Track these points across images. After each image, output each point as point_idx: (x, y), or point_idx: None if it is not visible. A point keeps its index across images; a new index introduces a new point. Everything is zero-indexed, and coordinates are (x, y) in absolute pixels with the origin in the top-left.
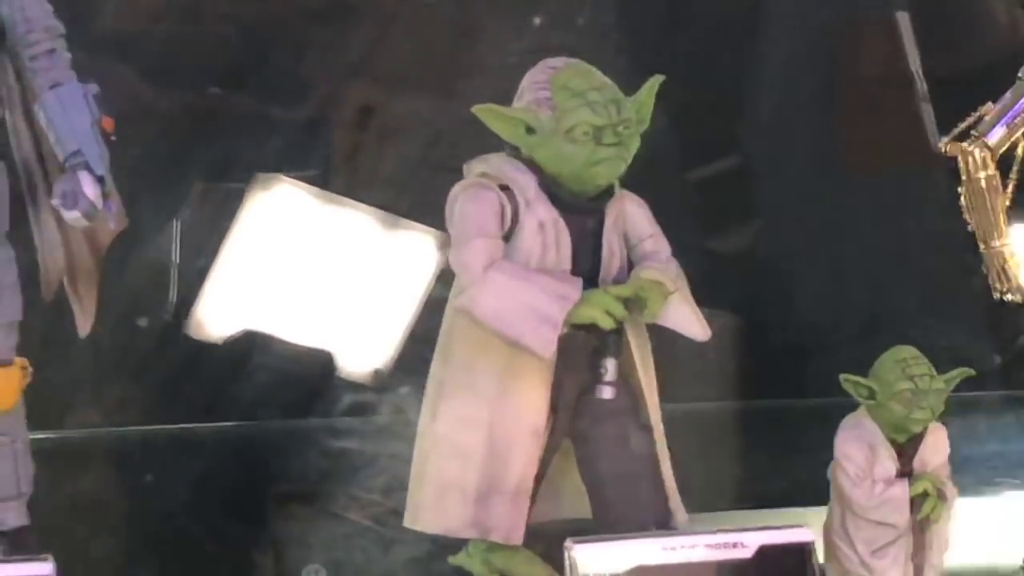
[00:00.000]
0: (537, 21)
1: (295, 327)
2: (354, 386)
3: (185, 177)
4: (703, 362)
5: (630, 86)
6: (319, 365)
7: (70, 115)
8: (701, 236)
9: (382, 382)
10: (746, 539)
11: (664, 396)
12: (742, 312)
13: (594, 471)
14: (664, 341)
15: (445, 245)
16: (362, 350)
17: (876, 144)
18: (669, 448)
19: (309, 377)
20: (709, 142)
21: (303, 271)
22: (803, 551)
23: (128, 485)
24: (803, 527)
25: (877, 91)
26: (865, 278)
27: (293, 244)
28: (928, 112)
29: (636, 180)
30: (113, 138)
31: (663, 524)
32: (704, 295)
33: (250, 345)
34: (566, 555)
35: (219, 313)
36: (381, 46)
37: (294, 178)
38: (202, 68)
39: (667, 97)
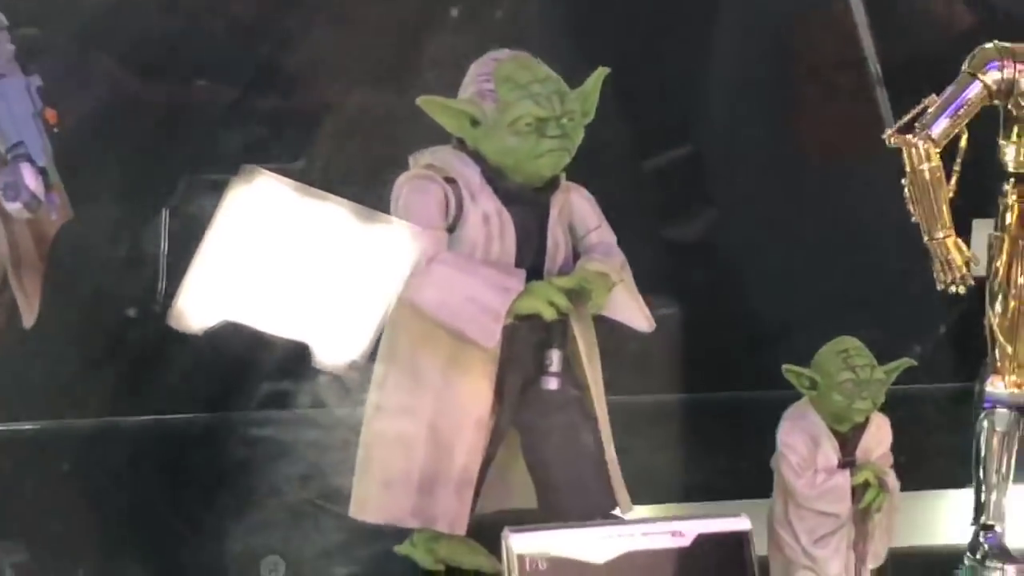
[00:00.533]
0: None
1: (273, 318)
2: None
3: (172, 169)
4: (652, 353)
5: (582, 76)
6: (296, 356)
7: (12, 106)
8: (655, 225)
9: (357, 373)
10: (684, 527)
11: (615, 388)
12: (696, 302)
13: (540, 461)
14: (614, 332)
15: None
16: (338, 342)
17: (830, 131)
18: (620, 441)
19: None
20: (661, 131)
21: (282, 263)
22: (740, 539)
23: (84, 477)
24: (741, 516)
25: (830, 77)
26: (821, 266)
27: (272, 236)
28: (883, 97)
29: (589, 169)
30: (56, 130)
31: (608, 514)
32: (659, 285)
33: (226, 336)
34: (503, 543)
35: (199, 304)
36: (363, 41)
37: (277, 170)
38: (189, 60)
39: (619, 86)
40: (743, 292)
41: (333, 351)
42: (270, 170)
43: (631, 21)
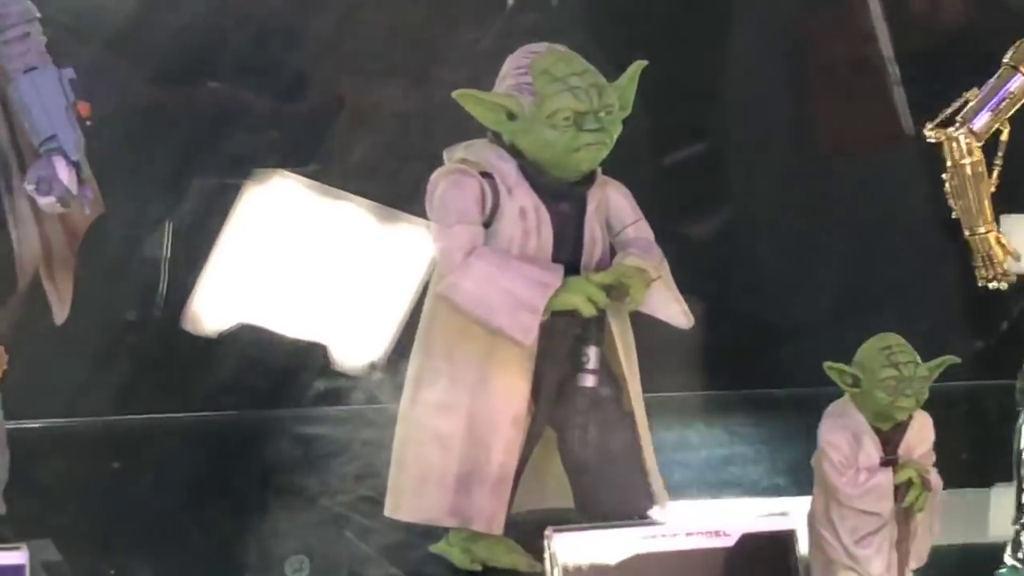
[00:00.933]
0: (510, 2)
1: (290, 320)
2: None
3: (184, 171)
4: (679, 350)
5: (600, 70)
6: (315, 358)
7: (45, 100)
8: (674, 222)
9: (377, 374)
10: (728, 528)
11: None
12: (714, 298)
13: (576, 459)
14: (642, 329)
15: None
16: (358, 343)
17: (849, 128)
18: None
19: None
20: (681, 127)
21: (298, 264)
22: (785, 540)
23: (107, 474)
24: (785, 515)
25: (849, 74)
26: (840, 263)
27: (288, 237)
28: (900, 95)
29: (608, 165)
30: (89, 123)
31: (645, 512)
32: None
33: (245, 339)
34: (546, 543)
35: (215, 307)
36: (381, 38)
37: (292, 172)
38: (200, 62)
39: (639, 81)
40: (760, 289)
41: (352, 352)
42: (284, 172)
43: (651, 17)
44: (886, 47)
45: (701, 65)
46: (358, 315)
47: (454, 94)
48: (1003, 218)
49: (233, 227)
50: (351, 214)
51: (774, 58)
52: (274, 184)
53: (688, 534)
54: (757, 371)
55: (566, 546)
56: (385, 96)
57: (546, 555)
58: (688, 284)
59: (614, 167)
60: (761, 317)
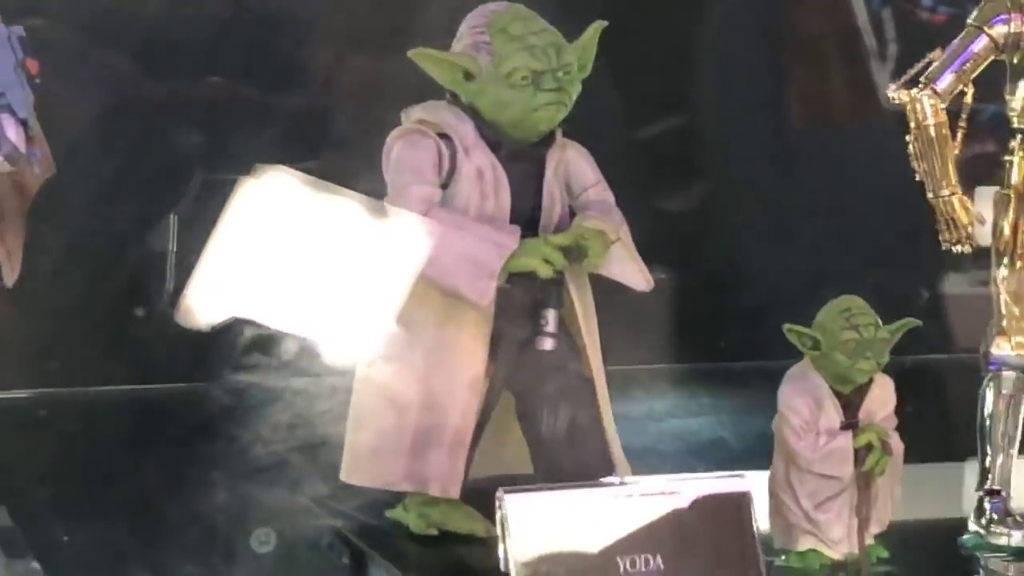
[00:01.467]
0: None
1: (283, 315)
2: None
3: (184, 166)
4: (647, 322)
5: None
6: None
7: None
8: (649, 195)
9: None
10: (683, 488)
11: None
12: (690, 271)
13: (535, 424)
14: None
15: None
16: (352, 340)
17: (825, 100)
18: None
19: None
20: (655, 100)
21: (292, 259)
22: (740, 500)
23: (65, 448)
24: (741, 476)
25: (824, 46)
26: (814, 234)
27: (282, 232)
28: (876, 67)
29: (581, 138)
30: (38, 80)
31: (604, 476)
32: (652, 254)
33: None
34: (498, 505)
35: (208, 301)
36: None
37: (292, 168)
38: (201, 56)
39: (613, 55)
40: (735, 262)
41: (346, 349)
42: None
43: None
44: (861, 16)
45: (676, 37)
46: (353, 311)
47: (410, 53)
48: (978, 190)
49: (228, 222)
50: (347, 209)
51: (749, 30)
52: (270, 179)
53: (643, 495)
54: (731, 344)
55: (518, 507)
56: (385, 85)
57: (498, 516)
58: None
59: (590, 140)
60: (738, 289)
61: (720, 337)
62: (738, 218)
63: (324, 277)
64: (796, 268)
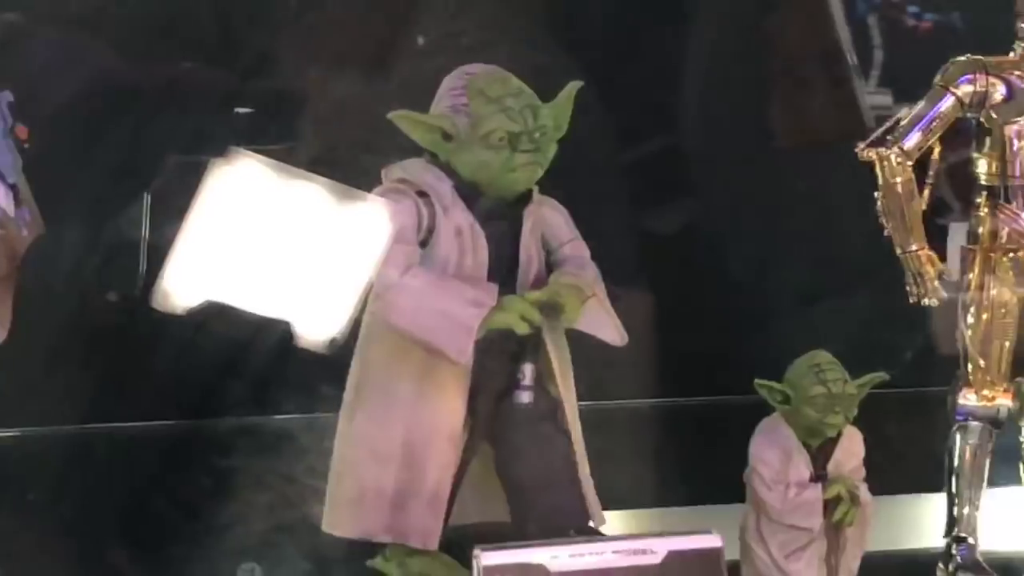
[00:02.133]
0: None
1: (255, 298)
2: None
3: (158, 151)
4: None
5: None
6: (277, 335)
7: None
8: (635, 218)
9: (337, 350)
10: (655, 545)
11: (597, 393)
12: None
13: (512, 476)
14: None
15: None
16: (319, 320)
17: (810, 121)
18: (607, 446)
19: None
20: (640, 123)
21: (263, 244)
22: (712, 556)
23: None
24: (711, 532)
25: (808, 68)
26: (801, 257)
27: (254, 217)
28: (860, 88)
29: (569, 164)
30: (27, 146)
31: (582, 528)
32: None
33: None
34: (474, 562)
35: (182, 284)
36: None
37: (265, 152)
38: (175, 42)
39: (599, 78)
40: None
41: (314, 329)
42: (257, 152)
43: (609, 12)
44: (845, 38)
45: (661, 59)
46: (321, 292)
47: (390, 116)
48: (952, 227)
49: (200, 206)
50: (315, 194)
51: (734, 51)
52: (239, 163)
53: (616, 552)
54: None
55: (494, 564)
56: (358, 83)
57: (473, 573)
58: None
59: (576, 164)
60: (722, 314)
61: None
62: (725, 239)
63: (296, 261)
64: (784, 289)
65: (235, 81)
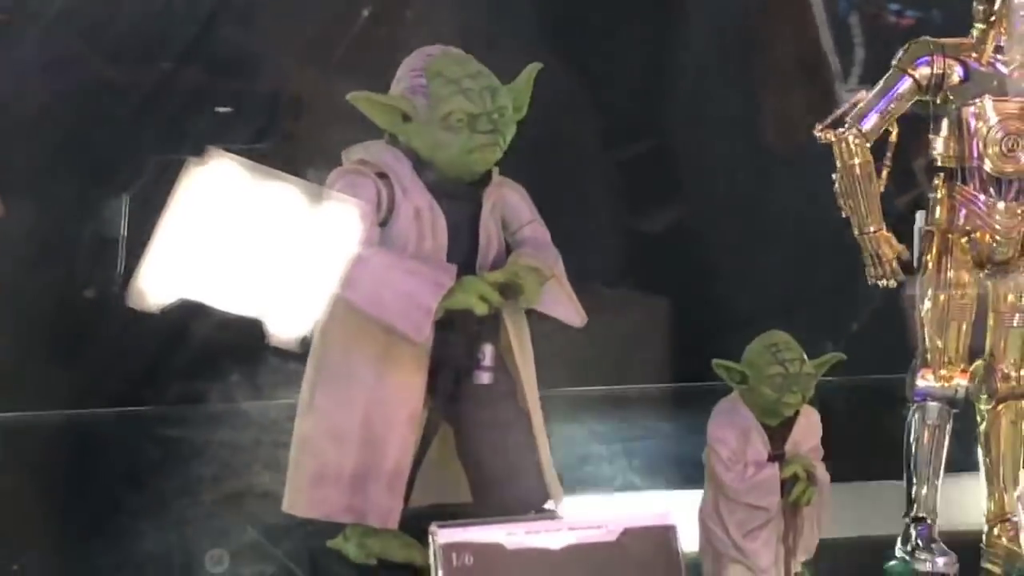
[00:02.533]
0: None
1: (228, 296)
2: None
3: (138, 150)
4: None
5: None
6: (250, 334)
7: None
8: (626, 217)
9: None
10: (610, 522)
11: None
12: (667, 292)
13: (472, 456)
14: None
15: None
16: (291, 320)
17: (794, 122)
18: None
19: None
20: (630, 123)
21: (237, 243)
22: (667, 533)
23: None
24: (667, 510)
25: (792, 69)
26: (787, 255)
27: (229, 217)
28: (842, 91)
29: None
30: None
31: (542, 508)
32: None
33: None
34: (430, 539)
35: (157, 283)
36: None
37: (242, 152)
38: (155, 43)
39: (588, 78)
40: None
41: (286, 328)
42: (234, 151)
43: (597, 12)
44: (827, 41)
45: (648, 60)
46: (293, 291)
47: (348, 97)
48: (920, 214)
49: (176, 205)
50: (287, 194)
51: (721, 52)
52: (217, 162)
53: (571, 529)
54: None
55: (450, 541)
56: (335, 82)
57: (430, 551)
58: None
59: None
60: (712, 310)
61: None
62: (713, 237)
63: (271, 261)
64: (772, 287)
65: (214, 80)
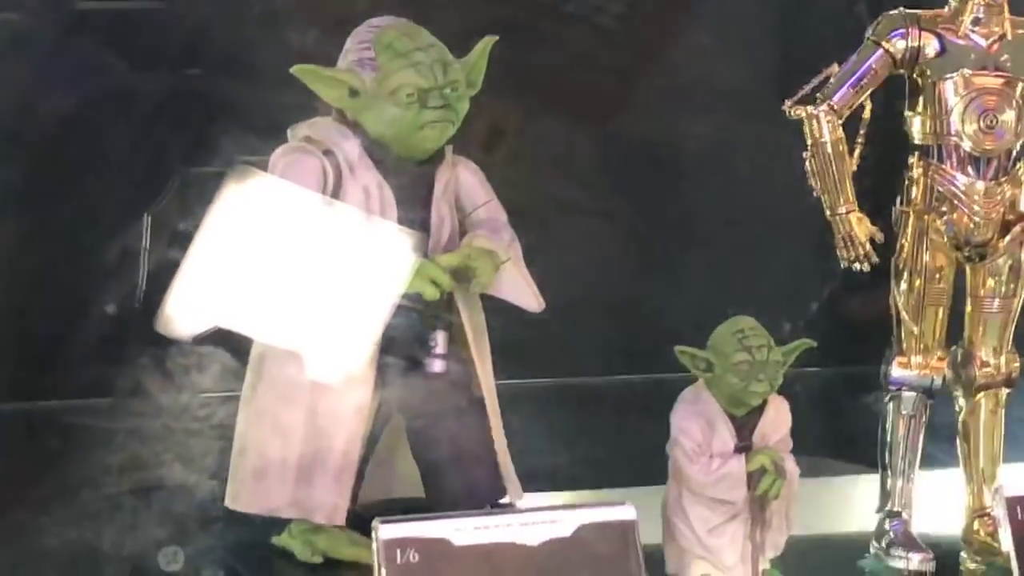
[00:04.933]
0: None
1: (265, 325)
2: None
3: (164, 161)
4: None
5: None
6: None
7: None
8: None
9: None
10: (564, 517)
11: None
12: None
13: (425, 447)
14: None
15: (419, 245)
16: (335, 350)
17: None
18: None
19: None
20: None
21: (274, 266)
22: (625, 529)
23: None
24: (625, 504)
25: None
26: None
27: (265, 238)
28: None
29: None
30: None
31: (497, 502)
32: None
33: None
34: (373, 535)
35: (189, 309)
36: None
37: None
38: (181, 50)
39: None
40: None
41: (330, 358)
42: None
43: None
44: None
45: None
46: (337, 322)
47: (292, 70)
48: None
49: (206, 228)
50: (317, 210)
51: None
52: (250, 179)
53: (523, 524)
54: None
55: (395, 537)
56: None
57: (373, 547)
58: None
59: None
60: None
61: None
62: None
63: (307, 284)
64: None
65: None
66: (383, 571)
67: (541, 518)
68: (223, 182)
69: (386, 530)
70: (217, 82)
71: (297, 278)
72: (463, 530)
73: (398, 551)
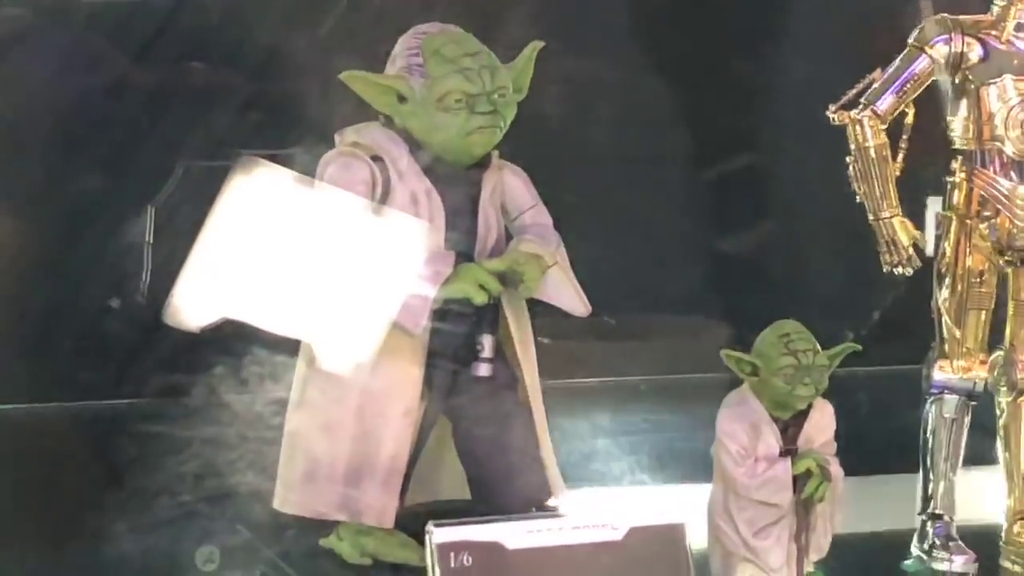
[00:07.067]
0: None
1: (274, 316)
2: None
3: (168, 154)
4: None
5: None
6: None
7: None
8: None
9: None
10: (616, 521)
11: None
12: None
13: (472, 451)
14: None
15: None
16: (343, 339)
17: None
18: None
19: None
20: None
21: (284, 257)
22: (675, 532)
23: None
24: (675, 508)
25: None
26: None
27: (274, 229)
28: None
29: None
30: None
31: (543, 504)
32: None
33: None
34: (427, 539)
35: (197, 300)
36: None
37: (270, 157)
38: (186, 43)
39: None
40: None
41: (337, 349)
42: (263, 157)
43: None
44: None
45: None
46: (346, 311)
47: (341, 76)
48: (931, 200)
49: (213, 219)
50: (322, 202)
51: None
52: (255, 171)
53: (575, 528)
54: None
55: (448, 541)
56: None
57: (427, 551)
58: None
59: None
60: None
61: None
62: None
63: (307, 273)
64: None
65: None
66: (437, 574)
67: (592, 522)
68: (229, 174)
69: (440, 534)
70: (224, 74)
71: (329, 277)
72: (516, 533)
73: (452, 555)
